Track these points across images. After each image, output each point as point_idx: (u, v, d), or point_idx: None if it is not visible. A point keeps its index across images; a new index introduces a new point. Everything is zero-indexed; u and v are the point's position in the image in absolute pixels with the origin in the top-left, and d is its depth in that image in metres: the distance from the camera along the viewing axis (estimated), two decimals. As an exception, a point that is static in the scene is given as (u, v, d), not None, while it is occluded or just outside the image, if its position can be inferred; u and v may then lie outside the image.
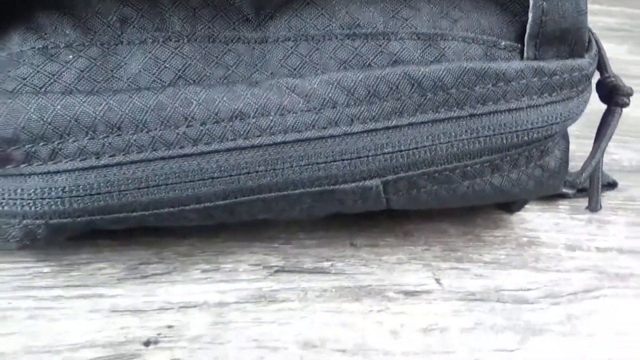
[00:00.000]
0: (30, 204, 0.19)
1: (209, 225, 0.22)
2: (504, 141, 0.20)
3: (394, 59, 0.20)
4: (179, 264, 0.22)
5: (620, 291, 0.23)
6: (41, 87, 0.19)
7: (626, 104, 0.22)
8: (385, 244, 0.24)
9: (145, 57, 0.19)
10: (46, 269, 0.22)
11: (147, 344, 0.20)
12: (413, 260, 0.23)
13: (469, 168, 0.20)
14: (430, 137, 0.20)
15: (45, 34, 0.19)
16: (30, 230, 0.19)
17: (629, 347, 0.21)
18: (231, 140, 0.19)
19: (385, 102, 0.19)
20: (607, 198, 0.27)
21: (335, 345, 0.20)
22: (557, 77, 0.20)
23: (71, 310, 0.20)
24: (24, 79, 0.19)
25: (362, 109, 0.19)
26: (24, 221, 0.19)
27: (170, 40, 0.19)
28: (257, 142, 0.19)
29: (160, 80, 0.19)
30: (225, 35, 0.20)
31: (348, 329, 0.21)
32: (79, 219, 0.19)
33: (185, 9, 0.19)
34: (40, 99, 0.18)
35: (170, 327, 0.20)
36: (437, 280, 0.23)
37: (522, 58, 0.20)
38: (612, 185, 0.27)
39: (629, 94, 0.22)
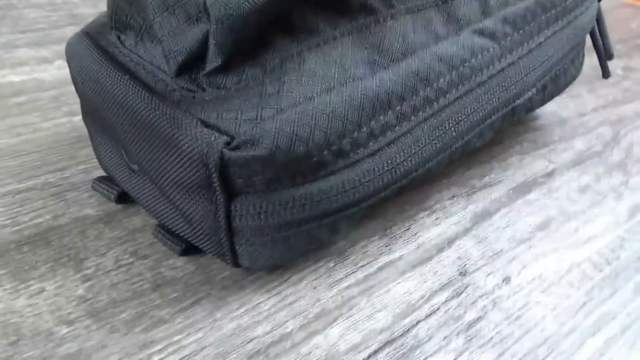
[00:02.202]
0: (370, 185, 0.23)
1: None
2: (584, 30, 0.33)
3: None
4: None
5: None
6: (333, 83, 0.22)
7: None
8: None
9: (403, 29, 0.24)
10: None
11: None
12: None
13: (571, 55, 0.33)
14: (557, 42, 0.30)
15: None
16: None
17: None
18: (465, 82, 0.25)
19: (532, 24, 0.29)
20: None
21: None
22: None
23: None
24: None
25: (524, 35, 0.28)
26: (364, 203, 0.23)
27: (410, 12, 0.25)
28: (479, 79, 0.26)
29: (410, 47, 0.24)
30: (424, 4, 0.25)
31: None
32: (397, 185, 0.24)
33: None
34: (341, 90, 0.22)
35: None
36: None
37: None
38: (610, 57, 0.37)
39: None
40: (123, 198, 0.27)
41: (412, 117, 0.24)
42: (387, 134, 0.23)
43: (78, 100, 0.36)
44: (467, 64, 0.26)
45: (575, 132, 0.38)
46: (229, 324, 0.22)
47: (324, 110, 0.21)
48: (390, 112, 0.23)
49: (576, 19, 0.32)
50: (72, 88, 0.37)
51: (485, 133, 0.28)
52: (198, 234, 0.22)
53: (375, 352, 0.21)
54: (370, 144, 0.22)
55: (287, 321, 0.22)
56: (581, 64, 0.36)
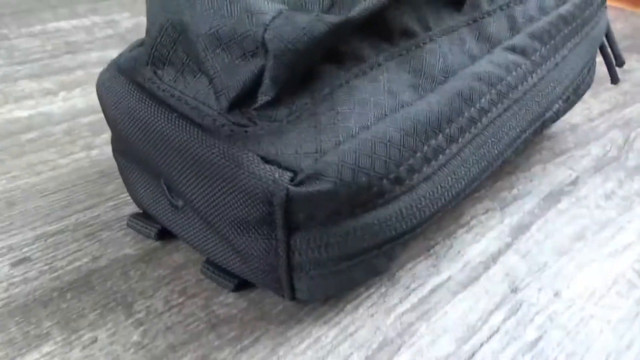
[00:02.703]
0: (425, 210, 0.23)
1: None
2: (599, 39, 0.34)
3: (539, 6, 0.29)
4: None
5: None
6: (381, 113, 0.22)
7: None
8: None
9: (441, 51, 0.24)
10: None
11: None
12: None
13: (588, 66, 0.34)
14: (579, 53, 0.31)
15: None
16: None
17: None
18: (504, 99, 0.26)
19: (557, 38, 0.29)
20: None
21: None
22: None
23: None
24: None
25: (550, 49, 0.29)
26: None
27: (446, 34, 0.25)
28: (515, 95, 0.26)
29: (450, 68, 0.24)
30: (456, 24, 0.25)
31: None
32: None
33: (436, 8, 0.25)
34: (394, 117, 0.21)
35: None
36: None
37: None
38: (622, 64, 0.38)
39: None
40: (162, 235, 0.26)
41: (460, 139, 0.23)
42: (439, 157, 0.23)
43: (92, 133, 0.35)
44: (504, 81, 0.26)
45: (588, 138, 0.39)
46: (294, 361, 0.21)
47: (382, 139, 0.21)
48: (440, 135, 0.23)
49: (592, 29, 0.32)
50: (83, 120, 0.36)
51: (519, 147, 0.29)
52: (254, 270, 0.22)
53: (446, 379, 0.21)
54: (424, 169, 0.22)
55: (351, 354, 0.22)
56: (594, 72, 0.36)
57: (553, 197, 0.32)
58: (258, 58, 0.20)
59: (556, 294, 0.25)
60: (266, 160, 0.19)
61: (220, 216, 0.21)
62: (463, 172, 0.24)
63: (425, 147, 0.22)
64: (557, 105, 0.30)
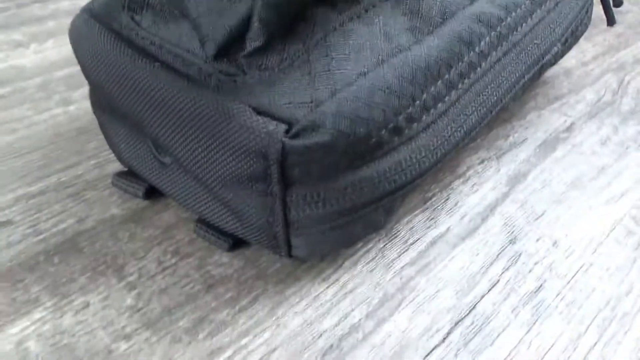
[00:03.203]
0: (425, 160, 0.22)
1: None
2: None
3: None
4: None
5: None
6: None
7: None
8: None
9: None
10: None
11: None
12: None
13: None
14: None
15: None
16: None
17: None
18: (504, 42, 0.25)
19: None
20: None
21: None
22: None
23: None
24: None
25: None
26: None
27: None
28: (515, 38, 0.25)
29: (448, 10, 0.23)
30: None
31: None
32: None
33: None
34: (392, 63, 0.20)
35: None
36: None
37: None
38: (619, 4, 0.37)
39: None
40: (149, 193, 0.25)
41: (459, 85, 0.22)
42: (438, 105, 0.22)
43: (68, 87, 0.33)
44: (504, 22, 0.24)
45: (583, 83, 0.38)
46: (294, 320, 0.21)
47: (380, 87, 0.19)
48: (439, 81, 0.21)
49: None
50: (58, 73, 0.34)
51: (518, 93, 0.28)
52: (249, 227, 0.21)
53: (448, 334, 0.21)
54: (424, 117, 0.21)
55: (352, 310, 0.21)
56: (591, 12, 0.35)
57: (549, 145, 0.31)
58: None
59: (554, 244, 0.25)
60: (258, 111, 0.18)
61: (212, 173, 0.20)
62: (462, 120, 0.23)
63: (425, 95, 0.21)
64: (555, 48, 0.29)
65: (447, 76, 0.22)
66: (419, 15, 0.22)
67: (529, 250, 0.24)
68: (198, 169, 0.20)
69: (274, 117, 0.18)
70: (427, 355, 0.20)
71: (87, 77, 0.23)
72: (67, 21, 0.41)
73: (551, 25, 0.28)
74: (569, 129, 0.33)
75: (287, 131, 0.18)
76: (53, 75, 0.34)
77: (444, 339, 0.21)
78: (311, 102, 0.18)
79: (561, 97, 0.36)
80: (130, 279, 0.22)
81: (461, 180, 0.28)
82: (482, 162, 0.29)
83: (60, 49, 0.37)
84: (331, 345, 0.20)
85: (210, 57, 0.19)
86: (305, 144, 0.18)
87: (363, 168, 0.20)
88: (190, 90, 0.19)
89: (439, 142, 0.22)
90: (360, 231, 0.22)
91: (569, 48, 0.33)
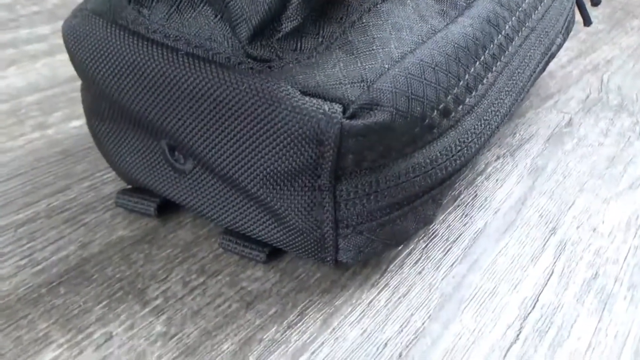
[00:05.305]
0: (472, 145, 0.20)
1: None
2: None
3: None
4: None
5: None
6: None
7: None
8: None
9: None
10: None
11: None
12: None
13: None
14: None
15: None
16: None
17: None
18: (523, 27, 0.24)
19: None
20: None
21: None
22: None
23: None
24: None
25: None
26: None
27: None
28: (530, 24, 0.25)
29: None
30: None
31: None
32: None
33: None
34: (435, 41, 0.19)
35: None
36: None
37: None
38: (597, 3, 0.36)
39: None
40: (161, 210, 0.22)
41: (494, 67, 0.21)
42: (479, 87, 0.20)
43: (43, 112, 0.30)
44: (520, 8, 0.24)
45: (567, 82, 0.38)
46: (352, 331, 0.18)
47: (429, 64, 0.18)
48: (477, 62, 0.20)
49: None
50: (28, 99, 0.31)
51: (533, 82, 0.27)
52: (290, 232, 0.19)
53: (520, 329, 0.19)
54: (467, 99, 0.20)
55: (412, 315, 0.19)
56: (574, 11, 0.36)
57: (556, 139, 0.31)
58: None
59: (594, 230, 0.24)
60: (306, 93, 0.16)
61: (250, 171, 0.18)
62: (499, 104, 0.22)
63: (467, 75, 0.20)
64: (559, 39, 0.29)
65: (483, 57, 0.21)
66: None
67: (573, 238, 0.23)
68: (231, 169, 0.18)
69: (325, 98, 0.16)
70: (506, 354, 0.18)
71: (87, 80, 0.20)
72: (27, 48, 0.37)
73: (555, 16, 0.28)
74: (569, 123, 0.33)
75: (343, 111, 0.16)
76: (22, 100, 0.31)
77: (518, 335, 0.19)
78: (362, 81, 0.17)
79: (552, 95, 0.36)
80: (156, 303, 0.19)
81: (483, 176, 0.27)
82: (498, 158, 0.28)
83: (25, 75, 0.34)
84: (400, 355, 0.18)
85: (244, 40, 0.17)
86: (365, 124, 0.16)
87: (414, 155, 0.18)
88: (225, 75, 0.17)
89: (483, 126, 0.21)
90: (412, 226, 0.20)
91: (565, 41, 0.33)
